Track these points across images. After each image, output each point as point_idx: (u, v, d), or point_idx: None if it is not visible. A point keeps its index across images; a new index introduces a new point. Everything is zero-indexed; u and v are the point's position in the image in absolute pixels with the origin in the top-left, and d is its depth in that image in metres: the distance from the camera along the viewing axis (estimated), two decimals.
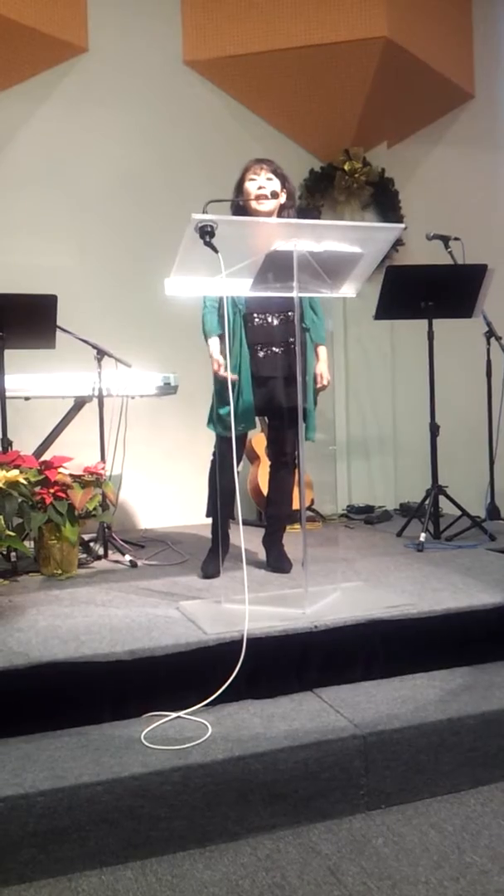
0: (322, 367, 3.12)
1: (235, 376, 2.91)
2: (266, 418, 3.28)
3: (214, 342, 2.97)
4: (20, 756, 1.93)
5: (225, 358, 2.91)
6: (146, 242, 4.57)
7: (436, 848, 1.80)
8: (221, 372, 2.91)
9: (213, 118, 4.89)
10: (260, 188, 2.94)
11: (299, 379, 2.65)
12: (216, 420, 3.02)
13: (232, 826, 1.87)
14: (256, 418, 3.24)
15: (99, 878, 1.73)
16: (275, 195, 2.95)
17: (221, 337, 2.96)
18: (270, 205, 2.96)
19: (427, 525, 3.70)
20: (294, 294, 2.54)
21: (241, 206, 3.00)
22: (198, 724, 2.09)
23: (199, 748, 1.95)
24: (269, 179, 2.96)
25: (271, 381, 2.99)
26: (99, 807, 1.78)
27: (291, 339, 2.91)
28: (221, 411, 2.96)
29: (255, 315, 3.00)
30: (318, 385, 3.10)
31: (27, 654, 2.17)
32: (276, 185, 2.97)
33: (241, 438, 3.11)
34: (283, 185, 3.01)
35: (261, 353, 2.99)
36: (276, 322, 3.00)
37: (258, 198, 2.92)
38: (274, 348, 2.99)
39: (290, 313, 2.84)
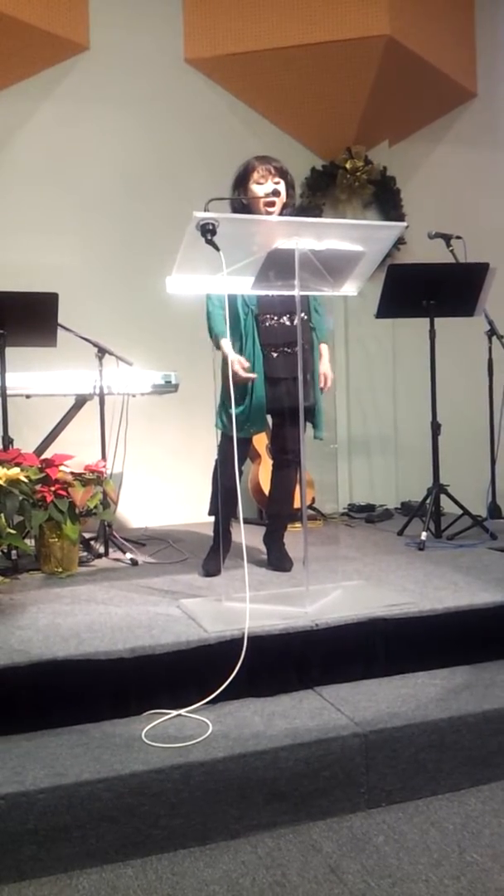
0: (325, 365, 3.11)
1: (255, 375, 2.90)
2: (269, 417, 3.27)
3: (228, 343, 2.91)
4: (21, 754, 1.93)
5: (223, 362, 2.89)
6: (147, 240, 4.57)
7: (436, 846, 1.79)
8: (243, 373, 2.84)
9: (214, 116, 4.89)
10: (267, 195, 2.92)
11: (300, 377, 2.65)
12: (225, 419, 3.00)
13: (232, 824, 1.87)
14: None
15: (99, 876, 1.73)
16: (276, 194, 2.94)
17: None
18: (277, 208, 2.96)
19: (428, 524, 3.70)
20: (296, 292, 2.54)
21: (243, 205, 2.99)
22: (198, 722, 2.09)
23: (200, 746, 1.95)
24: (276, 183, 2.94)
25: (284, 382, 2.97)
26: (99, 804, 1.78)
27: (304, 340, 2.89)
28: (232, 411, 2.93)
29: (268, 316, 2.98)
30: (322, 385, 3.09)
31: (28, 651, 2.17)
32: (281, 186, 2.96)
33: (247, 438, 3.10)
34: (286, 182, 2.99)
35: (274, 354, 2.97)
36: (288, 323, 2.98)
37: (267, 205, 2.92)
38: (287, 349, 2.97)
39: (302, 314, 2.83)
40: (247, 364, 2.89)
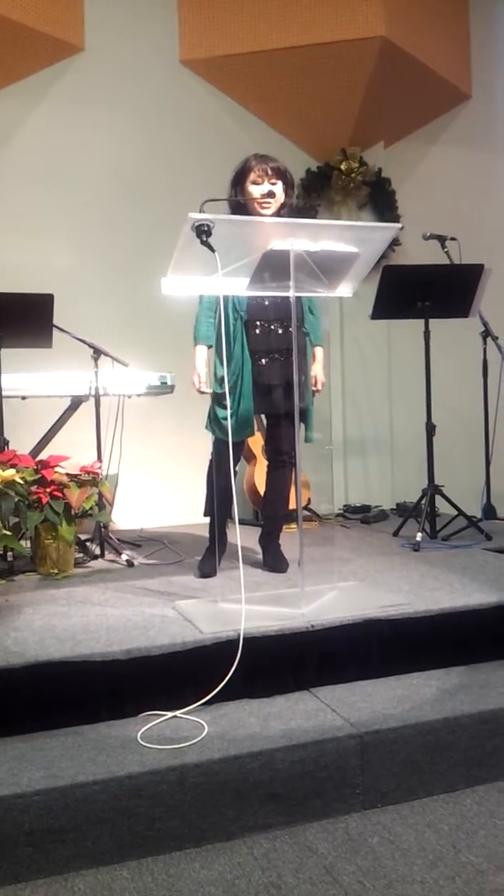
0: (317, 368, 3.11)
1: (211, 391, 2.94)
2: (264, 418, 3.27)
3: (202, 351, 2.97)
4: (16, 755, 1.93)
5: (216, 366, 2.90)
6: (143, 241, 4.58)
7: (431, 847, 1.80)
8: (203, 387, 2.95)
9: (209, 117, 4.89)
10: (263, 196, 2.91)
11: (296, 378, 2.65)
12: (215, 424, 3.01)
13: (228, 825, 1.87)
14: (254, 421, 3.24)
15: (95, 878, 1.73)
16: (272, 195, 2.94)
17: (210, 346, 2.97)
18: (273, 208, 2.95)
19: (423, 525, 3.70)
20: (290, 294, 2.54)
21: (240, 204, 2.98)
22: (194, 724, 2.09)
23: (196, 747, 1.95)
24: (272, 184, 2.93)
25: (273, 389, 2.98)
26: (95, 806, 1.78)
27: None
28: (221, 416, 2.94)
29: (257, 322, 2.98)
30: (313, 387, 3.10)
31: (23, 653, 2.17)
32: (279, 188, 2.96)
33: (240, 442, 3.11)
34: (284, 182, 2.99)
35: (263, 361, 2.97)
36: (279, 330, 2.98)
37: (262, 206, 2.92)
38: (276, 356, 2.97)
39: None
40: (202, 377, 2.97)
